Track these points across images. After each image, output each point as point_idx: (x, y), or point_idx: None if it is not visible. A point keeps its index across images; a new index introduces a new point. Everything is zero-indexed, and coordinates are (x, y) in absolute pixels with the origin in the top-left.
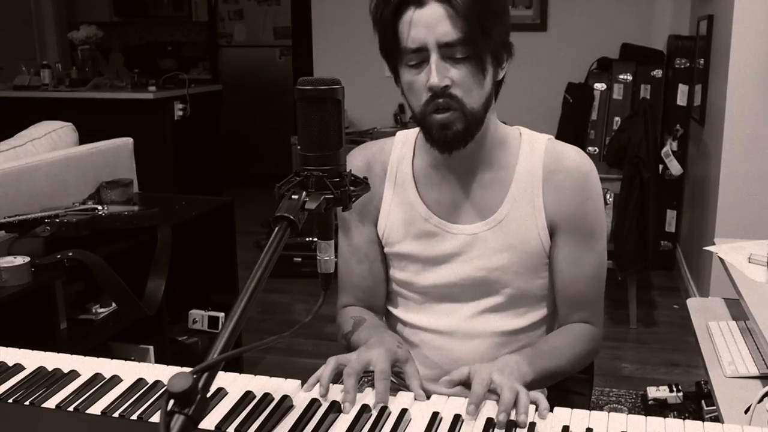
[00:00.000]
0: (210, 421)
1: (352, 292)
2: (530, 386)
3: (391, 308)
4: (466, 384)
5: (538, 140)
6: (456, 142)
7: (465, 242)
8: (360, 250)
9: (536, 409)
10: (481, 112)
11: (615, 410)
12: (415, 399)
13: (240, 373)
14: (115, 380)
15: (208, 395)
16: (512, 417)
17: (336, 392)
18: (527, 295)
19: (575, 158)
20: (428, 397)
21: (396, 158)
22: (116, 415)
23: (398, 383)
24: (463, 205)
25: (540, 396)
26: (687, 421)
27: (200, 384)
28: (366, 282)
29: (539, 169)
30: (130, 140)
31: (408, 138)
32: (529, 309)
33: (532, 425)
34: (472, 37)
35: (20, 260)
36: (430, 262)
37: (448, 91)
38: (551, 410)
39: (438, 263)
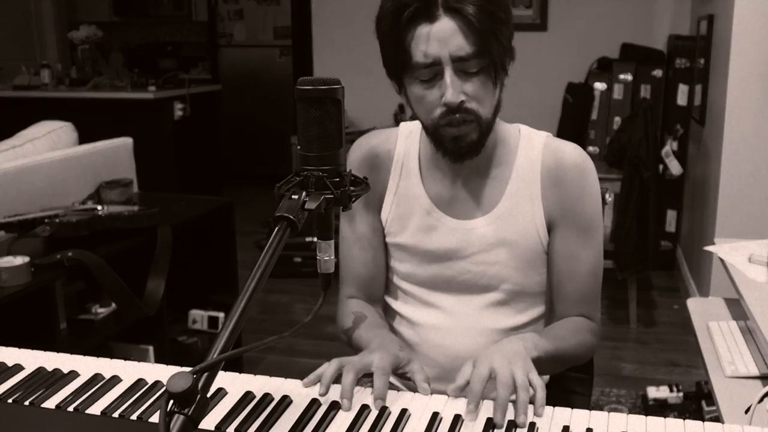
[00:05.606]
0: (210, 421)
1: (353, 282)
2: (536, 364)
3: (391, 302)
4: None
5: (537, 137)
6: (470, 152)
7: (464, 237)
8: (364, 238)
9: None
10: (492, 119)
11: (615, 410)
12: (417, 392)
13: (240, 373)
14: (115, 380)
15: (208, 395)
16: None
17: (336, 392)
18: (526, 291)
19: (573, 154)
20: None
21: (402, 149)
22: (116, 415)
23: (402, 385)
24: (463, 200)
25: (539, 384)
26: (687, 421)
27: (200, 384)
28: (368, 270)
29: (537, 165)
30: (129, 140)
31: (412, 130)
32: (527, 306)
33: (532, 425)
34: (486, 49)
35: (20, 260)
36: (430, 255)
37: (463, 105)
38: (553, 406)
39: (437, 256)
